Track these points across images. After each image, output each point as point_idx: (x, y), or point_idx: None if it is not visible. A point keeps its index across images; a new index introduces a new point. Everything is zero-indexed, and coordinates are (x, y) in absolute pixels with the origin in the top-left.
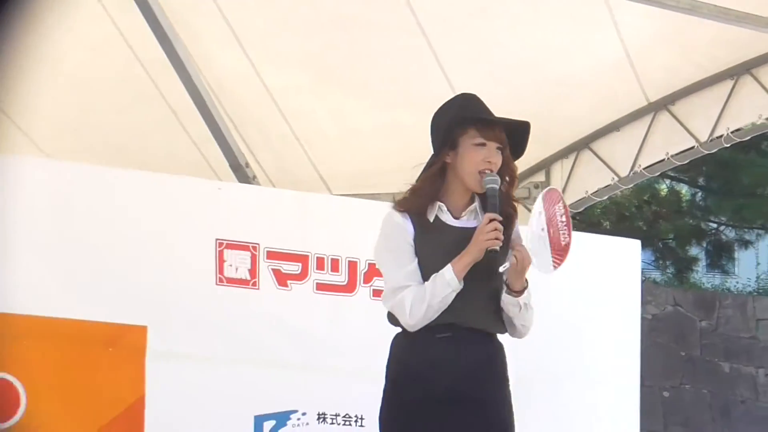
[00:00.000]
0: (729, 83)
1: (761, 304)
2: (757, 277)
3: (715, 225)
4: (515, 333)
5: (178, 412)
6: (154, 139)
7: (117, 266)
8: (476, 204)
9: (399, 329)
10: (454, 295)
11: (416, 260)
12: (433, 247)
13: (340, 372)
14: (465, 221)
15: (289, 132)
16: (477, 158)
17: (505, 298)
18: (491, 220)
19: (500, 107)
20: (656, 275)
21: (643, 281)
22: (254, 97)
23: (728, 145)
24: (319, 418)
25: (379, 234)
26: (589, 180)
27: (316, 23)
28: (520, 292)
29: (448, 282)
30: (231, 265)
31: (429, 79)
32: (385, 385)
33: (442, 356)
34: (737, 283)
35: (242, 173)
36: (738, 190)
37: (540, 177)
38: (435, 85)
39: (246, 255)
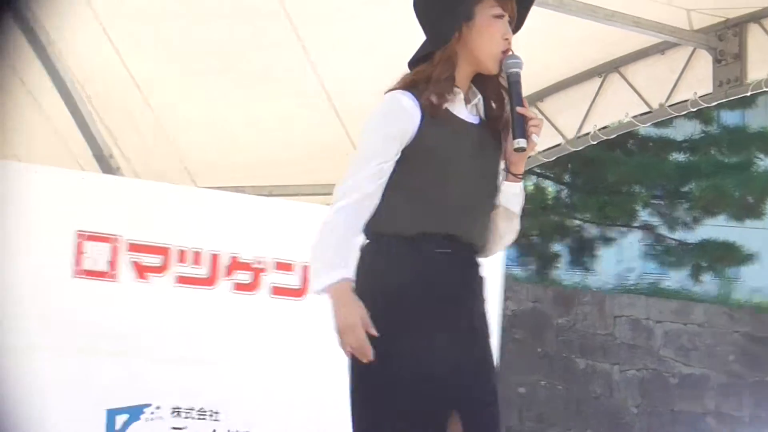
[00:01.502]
0: (597, 81)
1: (619, 302)
2: (618, 275)
3: (579, 222)
4: (495, 247)
5: (27, 406)
6: (13, 127)
7: None
8: (479, 97)
9: (375, 237)
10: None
11: (395, 158)
12: (452, 142)
13: (197, 366)
14: (473, 117)
15: (155, 123)
16: (497, 34)
17: (507, 188)
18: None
19: (368, 102)
20: (517, 271)
21: (504, 278)
22: (120, 86)
23: (595, 143)
24: (173, 412)
25: (370, 117)
26: None
27: (185, 13)
28: (521, 176)
29: (317, 281)
30: (90, 257)
31: (298, 71)
32: (372, 302)
33: (440, 275)
34: (597, 280)
35: (106, 163)
36: (602, 188)
37: None
38: (304, 77)
39: (106, 247)
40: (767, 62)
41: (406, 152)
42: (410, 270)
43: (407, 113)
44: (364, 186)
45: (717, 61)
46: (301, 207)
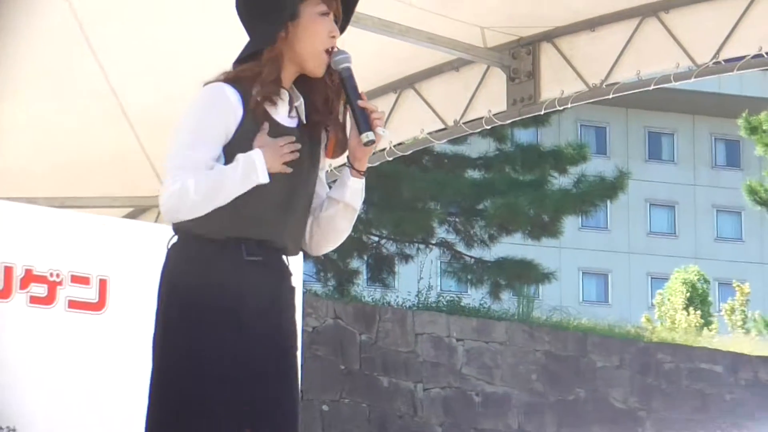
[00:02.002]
0: (392, 96)
1: (420, 319)
2: (418, 292)
3: (376, 238)
4: (327, 245)
5: None
6: None
7: None
8: (301, 100)
9: (183, 237)
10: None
11: (221, 150)
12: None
13: None
14: (291, 120)
15: None
16: (323, 32)
17: (352, 184)
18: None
19: (163, 113)
20: (317, 287)
21: (304, 293)
22: None
23: (391, 159)
24: None
25: (189, 105)
26: None
27: None
28: (365, 173)
29: (257, 172)
30: None
31: (87, 78)
32: (174, 308)
33: (247, 287)
34: (397, 297)
35: None
36: (399, 204)
37: None
38: (93, 85)
39: None
40: (560, 81)
41: (223, 149)
42: (216, 278)
43: (231, 106)
44: (193, 160)
45: (511, 79)
46: (94, 219)
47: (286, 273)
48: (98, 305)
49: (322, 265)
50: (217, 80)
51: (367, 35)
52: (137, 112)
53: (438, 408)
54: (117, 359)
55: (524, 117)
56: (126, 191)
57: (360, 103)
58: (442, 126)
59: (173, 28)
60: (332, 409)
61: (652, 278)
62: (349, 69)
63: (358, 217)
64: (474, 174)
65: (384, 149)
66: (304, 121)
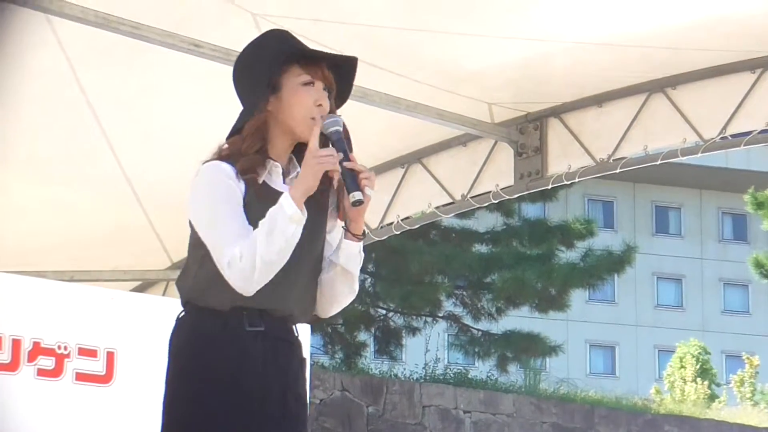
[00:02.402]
0: (400, 171)
1: (428, 391)
2: (425, 364)
3: (384, 311)
4: (331, 308)
5: None
6: None
7: None
8: (299, 169)
9: (190, 310)
10: (299, 231)
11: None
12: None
13: None
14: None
15: None
16: (308, 101)
17: (346, 248)
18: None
19: (170, 189)
20: (324, 360)
21: (311, 365)
22: None
23: (398, 233)
24: None
25: (197, 188)
26: None
27: None
28: (361, 237)
29: (290, 216)
30: None
31: (97, 156)
32: (182, 383)
33: (248, 358)
34: (405, 369)
35: None
36: (406, 278)
37: None
38: (102, 162)
39: None
40: (567, 156)
41: None
42: (218, 350)
43: (233, 180)
44: (234, 227)
45: (518, 154)
46: (102, 293)
47: (294, 343)
48: (106, 378)
49: (330, 337)
50: (212, 159)
51: (375, 111)
52: (145, 188)
53: None
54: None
55: (531, 191)
56: (134, 265)
57: (347, 164)
58: (450, 200)
59: (178, 107)
60: None
61: (659, 351)
62: (338, 132)
63: (365, 289)
64: (481, 248)
65: (392, 223)
66: None
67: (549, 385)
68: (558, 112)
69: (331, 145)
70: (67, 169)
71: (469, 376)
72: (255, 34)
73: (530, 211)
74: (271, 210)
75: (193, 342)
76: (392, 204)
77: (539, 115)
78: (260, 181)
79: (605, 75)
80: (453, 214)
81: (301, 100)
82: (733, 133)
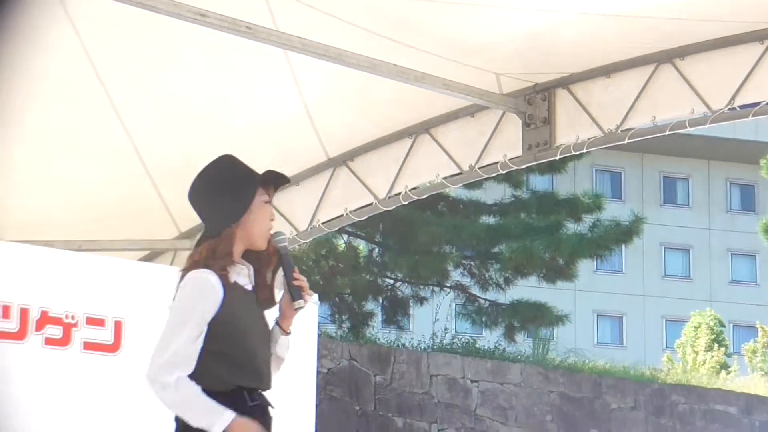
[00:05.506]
0: (407, 142)
1: (435, 360)
2: (433, 334)
3: (391, 281)
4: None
5: None
6: None
7: None
8: (250, 267)
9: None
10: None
11: (205, 328)
12: (244, 309)
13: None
14: (247, 283)
15: None
16: (267, 217)
17: (282, 341)
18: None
19: (178, 158)
20: (332, 329)
21: (319, 335)
22: None
23: (406, 203)
24: None
25: (183, 296)
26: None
27: None
28: (290, 332)
29: (223, 418)
30: None
31: (105, 128)
32: None
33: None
34: (412, 339)
35: None
36: (414, 248)
37: None
38: (111, 134)
39: None
40: (575, 127)
41: (212, 322)
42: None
43: (216, 291)
44: (186, 351)
45: (526, 125)
46: (110, 262)
47: (269, 411)
48: (113, 347)
49: (337, 307)
50: (195, 268)
51: (383, 81)
52: (153, 158)
53: None
54: (131, 400)
55: (539, 162)
56: (142, 235)
57: (295, 279)
58: (458, 171)
59: (187, 78)
60: None
61: (666, 321)
62: (285, 248)
63: (373, 259)
64: (489, 219)
65: (399, 193)
66: (253, 284)
67: (557, 354)
68: (566, 82)
69: (279, 257)
70: (76, 141)
71: (477, 345)
72: (262, 5)
73: (538, 182)
74: (213, 409)
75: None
76: (400, 174)
77: (547, 86)
78: (232, 281)
79: (613, 46)
80: (461, 185)
81: (264, 215)
82: (741, 104)
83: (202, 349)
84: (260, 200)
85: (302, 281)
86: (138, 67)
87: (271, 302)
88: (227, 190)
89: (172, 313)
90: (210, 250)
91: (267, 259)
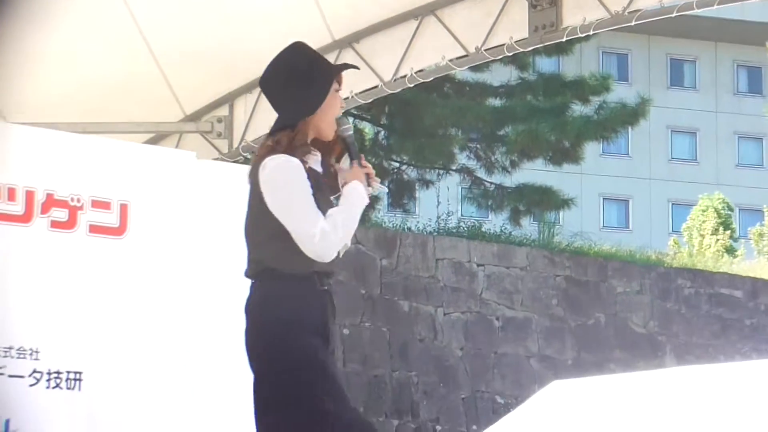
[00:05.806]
0: (413, 23)
1: (441, 244)
2: (438, 218)
3: (397, 164)
4: None
5: None
6: None
7: None
8: (319, 154)
9: (269, 277)
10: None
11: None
12: (321, 195)
13: (15, 303)
14: (321, 169)
15: None
16: (338, 106)
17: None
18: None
19: (183, 41)
20: None
21: None
22: None
23: (412, 85)
24: None
25: (277, 181)
26: (273, 117)
27: None
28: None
29: (364, 196)
30: None
31: (111, 8)
32: (283, 329)
33: (326, 309)
34: (418, 222)
35: None
36: (420, 130)
37: (224, 111)
38: (117, 14)
39: None
40: (582, 8)
41: None
42: (308, 305)
43: (304, 172)
44: (312, 207)
45: (533, 6)
46: (116, 144)
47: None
48: (119, 230)
49: None
50: (276, 153)
51: None
52: (159, 39)
53: (458, 332)
54: (137, 283)
55: (546, 44)
56: (148, 117)
57: (362, 164)
58: (464, 53)
59: None
60: (353, 333)
61: (672, 204)
62: (352, 136)
63: (379, 142)
64: (495, 102)
65: (405, 76)
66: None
67: (562, 238)
68: None
69: (345, 144)
70: (76, 19)
71: (483, 229)
72: None
73: (545, 65)
74: (348, 196)
75: (288, 300)
76: (405, 56)
77: None
78: (308, 167)
79: None
80: (467, 67)
81: (336, 104)
82: None
83: (283, 234)
84: (333, 89)
85: (369, 168)
86: None
87: (335, 189)
88: (305, 82)
89: (280, 194)
90: (288, 139)
91: (332, 146)
